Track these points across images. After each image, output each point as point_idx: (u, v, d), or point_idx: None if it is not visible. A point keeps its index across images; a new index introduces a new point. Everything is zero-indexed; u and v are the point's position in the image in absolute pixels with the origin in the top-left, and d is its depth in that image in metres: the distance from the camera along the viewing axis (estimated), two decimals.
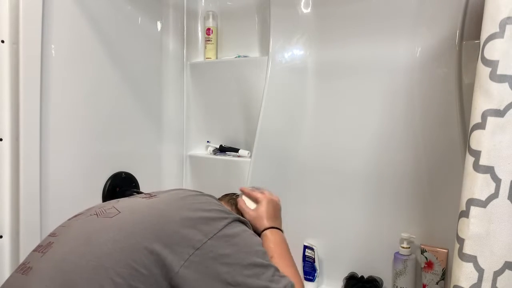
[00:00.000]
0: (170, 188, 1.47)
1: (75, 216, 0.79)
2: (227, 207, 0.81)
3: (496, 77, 0.71)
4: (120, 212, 0.71)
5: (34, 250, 0.72)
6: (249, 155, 1.42)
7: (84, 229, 0.71)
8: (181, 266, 0.64)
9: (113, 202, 0.79)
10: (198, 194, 0.79)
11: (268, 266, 0.71)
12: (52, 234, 0.74)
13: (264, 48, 1.43)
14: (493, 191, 0.72)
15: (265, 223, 0.89)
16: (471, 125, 0.74)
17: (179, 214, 0.70)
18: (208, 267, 0.66)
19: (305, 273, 1.37)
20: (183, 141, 1.56)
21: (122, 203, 0.76)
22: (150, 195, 0.79)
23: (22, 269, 0.68)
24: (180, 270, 0.64)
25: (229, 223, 0.72)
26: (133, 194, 1.27)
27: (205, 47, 1.53)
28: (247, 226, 0.77)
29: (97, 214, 0.73)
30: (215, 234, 0.68)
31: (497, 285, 0.71)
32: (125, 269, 0.62)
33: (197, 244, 0.66)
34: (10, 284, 0.68)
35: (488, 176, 0.72)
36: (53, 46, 1.08)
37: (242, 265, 0.68)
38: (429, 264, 1.17)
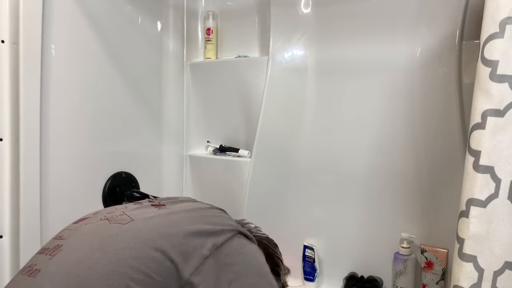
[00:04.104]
0: (169, 186, 1.50)
1: (81, 220, 0.78)
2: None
3: (496, 77, 0.71)
4: (133, 220, 0.72)
5: (40, 253, 0.71)
6: (249, 155, 1.42)
7: (96, 234, 0.70)
8: (191, 275, 0.66)
9: (121, 209, 0.78)
10: (208, 208, 0.83)
11: (268, 276, 0.76)
12: (59, 237, 0.73)
13: (264, 48, 1.43)
14: (493, 191, 0.72)
15: None
16: (471, 125, 0.74)
17: (190, 225, 0.73)
18: (216, 275, 0.69)
19: (305, 273, 1.37)
20: (183, 141, 1.56)
21: (133, 211, 0.77)
22: (159, 204, 0.81)
23: (29, 271, 0.66)
24: (191, 278, 0.66)
25: (236, 234, 0.76)
26: (133, 194, 1.28)
27: (205, 47, 1.53)
28: (251, 241, 0.80)
29: (108, 220, 0.73)
30: (222, 244, 0.72)
31: (497, 285, 0.71)
32: (140, 276, 0.63)
33: (206, 253, 0.69)
34: (16, 286, 0.67)
35: (488, 176, 0.72)
36: (53, 46, 1.08)
37: (248, 274, 0.72)
38: (429, 264, 1.17)
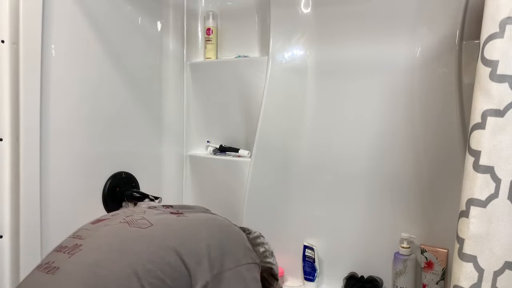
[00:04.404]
0: (169, 186, 1.50)
1: (99, 220, 0.79)
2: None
3: (496, 77, 0.71)
4: (152, 225, 0.74)
5: (57, 251, 0.72)
6: (249, 155, 1.42)
7: (116, 236, 0.72)
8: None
9: (140, 213, 0.80)
10: (228, 224, 0.84)
11: None
12: (77, 236, 0.74)
13: (264, 48, 1.43)
14: (493, 191, 0.72)
15: None
16: (471, 125, 0.74)
17: (207, 237, 0.75)
18: None
19: (305, 273, 1.37)
20: (183, 141, 1.56)
21: (152, 216, 0.78)
22: (178, 212, 0.82)
23: (46, 268, 0.67)
24: None
25: (250, 263, 0.78)
26: (133, 194, 1.28)
27: (205, 47, 1.53)
28: (258, 271, 0.82)
29: (128, 223, 0.75)
30: (231, 268, 0.74)
31: (497, 285, 0.71)
32: (155, 280, 0.65)
33: (215, 271, 0.72)
34: (33, 282, 0.67)
35: (488, 176, 0.72)
36: (53, 46, 1.08)
37: None
38: (429, 264, 1.17)
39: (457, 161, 1.10)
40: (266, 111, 1.36)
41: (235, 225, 0.87)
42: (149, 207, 0.86)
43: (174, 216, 0.80)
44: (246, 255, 0.79)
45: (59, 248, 0.72)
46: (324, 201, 1.36)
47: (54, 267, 0.66)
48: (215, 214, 0.89)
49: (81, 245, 0.70)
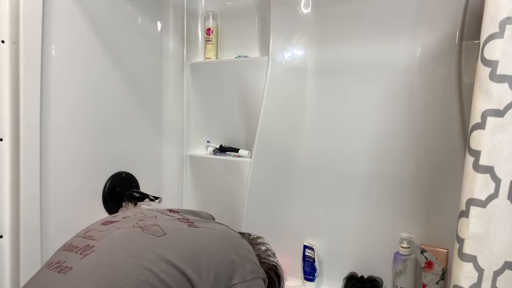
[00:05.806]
0: (169, 186, 1.50)
1: (110, 222, 0.78)
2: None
3: (495, 77, 0.71)
4: (166, 234, 0.74)
5: (68, 250, 0.71)
6: (249, 155, 1.42)
7: (131, 242, 0.71)
8: None
9: (151, 217, 0.80)
10: (236, 236, 0.85)
11: None
12: (88, 237, 0.73)
13: (264, 48, 1.43)
14: (492, 191, 0.72)
15: None
16: (471, 125, 0.75)
17: (216, 253, 0.76)
18: None
19: (305, 273, 1.37)
20: (183, 141, 1.56)
21: (163, 222, 0.78)
22: (188, 221, 0.82)
23: (58, 267, 0.67)
24: None
25: (256, 278, 0.78)
26: (133, 194, 1.28)
27: (205, 47, 1.53)
28: (265, 285, 0.82)
29: (141, 228, 0.74)
30: (239, 282, 0.75)
31: (497, 285, 0.71)
32: None
33: (223, 286, 0.72)
34: (44, 280, 0.67)
35: (488, 176, 0.72)
36: (53, 46, 1.08)
37: None
38: (429, 264, 1.17)
39: (457, 161, 1.10)
40: (266, 111, 1.36)
41: (239, 235, 0.86)
42: (157, 211, 0.85)
43: (185, 225, 0.80)
44: (253, 270, 0.79)
45: (69, 247, 0.72)
46: (324, 201, 1.36)
47: (66, 267, 0.66)
48: (221, 224, 0.88)
49: (93, 246, 0.70)
